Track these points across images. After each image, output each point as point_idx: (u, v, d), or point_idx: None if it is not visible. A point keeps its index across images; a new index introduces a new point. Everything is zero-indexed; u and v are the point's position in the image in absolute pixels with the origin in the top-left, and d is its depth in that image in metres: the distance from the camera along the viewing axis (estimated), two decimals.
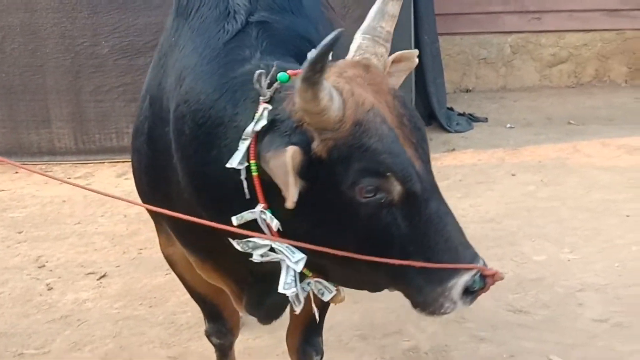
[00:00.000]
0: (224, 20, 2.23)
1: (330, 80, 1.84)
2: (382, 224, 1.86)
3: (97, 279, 4.50)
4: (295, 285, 1.99)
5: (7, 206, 5.75)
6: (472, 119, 7.33)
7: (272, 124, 1.88)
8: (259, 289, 2.36)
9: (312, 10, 2.49)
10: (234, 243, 1.99)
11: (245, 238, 1.96)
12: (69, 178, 6.28)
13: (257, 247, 1.98)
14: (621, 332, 3.68)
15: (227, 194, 2.01)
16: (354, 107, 1.81)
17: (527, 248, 4.60)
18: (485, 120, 7.33)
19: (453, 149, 6.59)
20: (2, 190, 6.10)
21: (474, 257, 1.85)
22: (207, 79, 2.12)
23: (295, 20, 2.32)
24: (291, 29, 2.30)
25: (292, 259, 1.94)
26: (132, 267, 4.61)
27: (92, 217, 5.46)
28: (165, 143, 2.28)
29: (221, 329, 3.06)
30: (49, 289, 4.40)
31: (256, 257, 1.99)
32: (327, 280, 2.10)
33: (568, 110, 7.54)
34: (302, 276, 2.05)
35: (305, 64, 1.66)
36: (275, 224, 1.90)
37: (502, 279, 1.85)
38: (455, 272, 1.82)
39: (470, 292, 1.85)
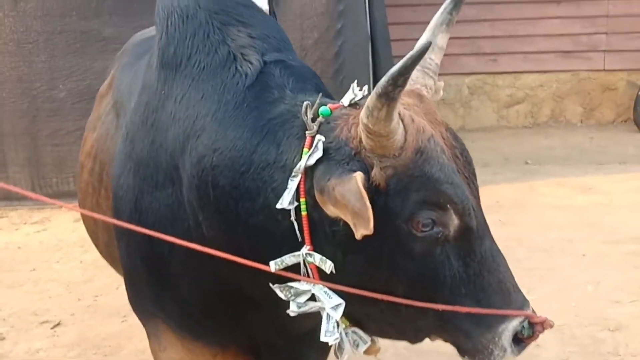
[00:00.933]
0: (232, 64, 2.10)
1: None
2: (436, 262, 1.72)
3: (51, 328, 4.44)
4: (338, 332, 1.83)
5: None
6: None
7: (325, 155, 1.76)
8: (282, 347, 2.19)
9: None
10: (277, 290, 1.83)
11: (286, 282, 1.83)
12: (25, 223, 6.24)
13: (298, 293, 1.83)
14: None
15: (271, 241, 1.87)
16: (415, 134, 1.72)
17: None
18: None
19: None
20: None
21: (524, 302, 1.75)
22: (241, 125, 1.97)
23: (297, 58, 2.25)
24: (304, 66, 2.24)
25: (330, 305, 1.79)
26: (87, 315, 4.55)
27: (47, 264, 5.40)
28: (162, 210, 2.12)
29: None
30: (1, 339, 4.33)
31: (294, 308, 1.83)
32: (363, 330, 1.93)
33: (525, 150, 7.62)
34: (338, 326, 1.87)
35: (386, 78, 1.56)
36: (329, 265, 1.75)
37: (551, 326, 1.75)
38: (505, 317, 1.72)
39: (518, 340, 1.74)
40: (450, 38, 1.94)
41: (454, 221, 1.69)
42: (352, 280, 1.76)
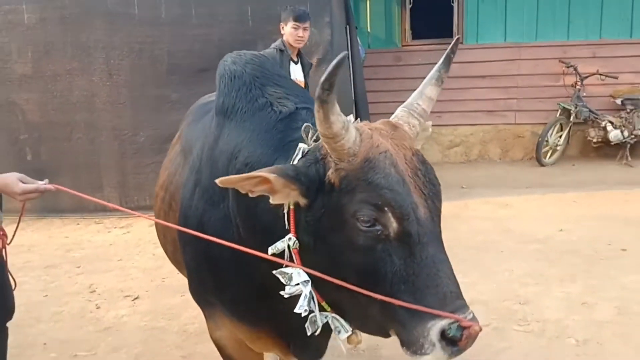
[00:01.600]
0: (269, 107, 2.00)
1: (358, 125, 1.67)
2: (377, 256, 1.56)
3: (132, 300, 4.42)
4: (308, 306, 1.69)
5: (70, 248, 5.65)
6: None
7: (302, 158, 1.71)
8: (302, 334, 1.90)
9: None
10: (278, 275, 1.71)
11: (280, 268, 1.72)
12: (115, 228, 6.24)
13: (290, 278, 1.70)
14: (496, 333, 3.64)
15: (275, 234, 1.74)
16: (369, 147, 1.60)
17: None
18: None
19: None
20: (67, 237, 6.01)
21: (460, 307, 1.52)
22: (267, 143, 1.90)
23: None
24: None
25: (300, 279, 1.68)
26: (157, 291, 4.53)
27: (130, 256, 5.39)
28: (217, 223, 2.03)
29: None
30: (97, 308, 4.31)
31: (287, 290, 1.70)
32: (343, 319, 1.77)
33: (461, 179, 7.62)
34: (322, 309, 1.76)
35: (319, 86, 1.48)
36: (293, 243, 1.68)
37: (477, 331, 1.50)
38: (436, 316, 1.50)
39: (451, 342, 1.50)
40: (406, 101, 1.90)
41: (393, 223, 1.54)
42: (321, 266, 1.66)
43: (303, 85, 4.79)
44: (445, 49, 1.88)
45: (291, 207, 1.70)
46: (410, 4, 8.35)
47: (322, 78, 1.47)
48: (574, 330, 3.64)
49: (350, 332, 1.81)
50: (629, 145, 7.85)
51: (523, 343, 3.52)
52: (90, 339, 3.83)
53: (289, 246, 1.71)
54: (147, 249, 5.49)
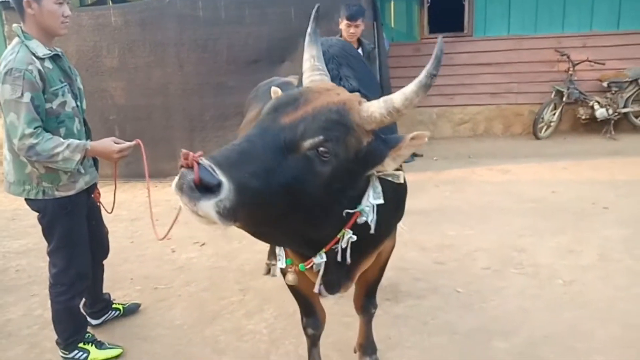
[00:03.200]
0: (337, 81, 1.95)
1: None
2: None
3: (200, 246, 4.50)
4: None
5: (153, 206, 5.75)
6: (414, 155, 7.27)
7: None
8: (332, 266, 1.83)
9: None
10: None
11: None
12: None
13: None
14: (496, 274, 3.62)
15: None
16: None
17: (445, 227, 4.53)
18: (421, 155, 7.27)
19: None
20: (146, 197, 6.11)
21: (207, 155, 1.37)
22: None
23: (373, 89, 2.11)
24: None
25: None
26: (219, 239, 4.58)
27: None
28: None
29: (315, 322, 2.44)
30: (172, 252, 4.41)
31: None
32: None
33: (469, 150, 7.50)
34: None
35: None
36: None
37: (183, 161, 1.30)
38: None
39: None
40: None
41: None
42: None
43: None
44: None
45: None
46: (427, 3, 8.15)
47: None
48: (562, 273, 3.59)
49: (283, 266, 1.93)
50: (612, 122, 7.64)
51: (519, 283, 3.49)
52: (167, 275, 3.94)
53: None
54: None
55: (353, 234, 1.69)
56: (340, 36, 4.48)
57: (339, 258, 1.73)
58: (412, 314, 3.17)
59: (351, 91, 1.82)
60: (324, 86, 1.68)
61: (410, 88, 1.56)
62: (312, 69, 1.76)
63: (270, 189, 1.41)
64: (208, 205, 1.30)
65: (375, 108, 1.57)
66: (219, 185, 1.30)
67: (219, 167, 1.32)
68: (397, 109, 1.56)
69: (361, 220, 1.68)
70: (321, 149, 1.47)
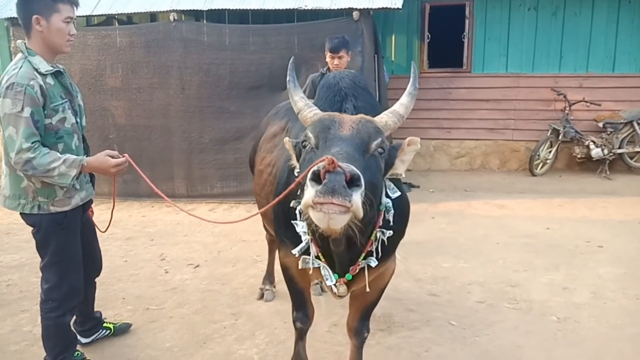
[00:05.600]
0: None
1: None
2: (306, 162, 1.81)
3: (194, 267, 4.46)
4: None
5: (145, 225, 5.75)
6: (411, 186, 7.31)
7: None
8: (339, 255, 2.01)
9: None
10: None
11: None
12: (181, 211, 6.28)
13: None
14: (490, 308, 3.61)
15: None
16: (323, 115, 1.95)
17: (439, 259, 4.53)
18: (418, 187, 7.32)
19: None
20: (144, 216, 6.11)
21: (332, 154, 1.61)
22: None
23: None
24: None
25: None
26: (214, 262, 4.57)
27: (193, 233, 5.44)
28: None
29: (304, 317, 2.61)
30: (166, 272, 4.37)
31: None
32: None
33: (465, 184, 7.53)
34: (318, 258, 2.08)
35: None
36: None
37: (330, 162, 1.48)
38: (315, 165, 1.57)
39: (317, 178, 1.52)
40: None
41: (312, 139, 1.84)
42: None
43: None
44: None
45: None
46: (428, 38, 8.29)
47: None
48: (556, 309, 3.58)
49: (334, 283, 2.05)
50: (608, 162, 7.72)
51: (512, 318, 3.48)
52: (160, 296, 3.89)
53: None
54: (207, 227, 5.54)
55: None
56: (328, 69, 4.53)
57: (373, 254, 2.06)
58: (405, 345, 3.14)
59: None
60: (336, 113, 1.99)
61: (406, 98, 2.07)
62: (308, 105, 2.04)
63: (369, 181, 1.68)
64: (357, 196, 1.51)
65: (387, 118, 1.98)
66: (359, 178, 1.51)
67: (350, 164, 1.55)
68: (402, 116, 2.02)
69: (387, 215, 2.02)
70: (379, 149, 1.83)
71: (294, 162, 2.02)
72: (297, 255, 2.15)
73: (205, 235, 5.31)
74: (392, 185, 2.08)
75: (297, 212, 2.06)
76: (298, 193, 1.91)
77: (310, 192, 1.50)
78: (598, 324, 3.37)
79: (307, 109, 2.02)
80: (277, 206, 2.27)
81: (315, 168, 1.50)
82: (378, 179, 1.84)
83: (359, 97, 2.27)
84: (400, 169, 1.98)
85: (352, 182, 1.50)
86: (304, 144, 1.88)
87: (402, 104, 2.03)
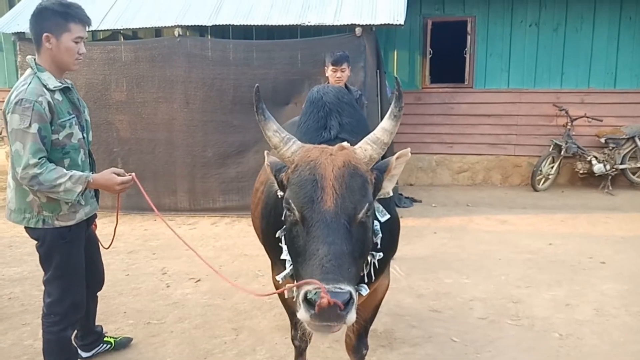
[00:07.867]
0: (322, 129, 2.18)
1: (305, 145, 1.84)
2: (294, 234, 1.71)
3: (195, 282, 4.46)
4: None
5: (148, 239, 5.74)
6: (413, 200, 7.31)
7: None
8: None
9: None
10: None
11: None
12: (184, 224, 6.30)
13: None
14: (492, 325, 3.59)
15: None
16: (302, 157, 1.76)
17: (441, 275, 4.51)
18: (420, 201, 7.31)
19: (401, 217, 6.47)
20: (146, 230, 6.10)
21: (326, 280, 1.49)
22: None
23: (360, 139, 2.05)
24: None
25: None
26: (215, 276, 4.51)
27: (195, 247, 5.36)
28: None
29: (301, 336, 2.62)
30: (167, 286, 4.36)
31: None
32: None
33: (467, 199, 7.51)
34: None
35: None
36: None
37: (324, 303, 1.44)
38: (307, 283, 1.51)
39: (310, 303, 1.48)
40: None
41: (295, 212, 1.68)
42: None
43: None
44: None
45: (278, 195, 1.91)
46: (430, 54, 8.34)
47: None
48: (558, 326, 3.56)
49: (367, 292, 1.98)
50: (610, 177, 7.71)
51: (515, 334, 3.45)
52: (161, 310, 3.88)
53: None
54: (209, 242, 5.55)
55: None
56: (328, 83, 4.55)
57: (365, 280, 1.98)
58: None
59: (333, 139, 2.11)
60: (317, 152, 1.78)
61: (388, 121, 1.85)
62: (284, 141, 1.84)
63: (359, 255, 1.71)
64: (352, 313, 1.53)
65: (370, 151, 1.81)
66: (352, 299, 1.52)
67: (340, 283, 1.51)
68: (386, 143, 1.83)
69: (374, 239, 1.92)
70: (369, 212, 1.73)
71: (276, 186, 1.90)
72: (280, 282, 2.06)
73: (207, 250, 5.30)
74: (382, 207, 2.01)
75: (282, 239, 1.97)
76: (282, 219, 1.85)
77: (304, 314, 1.51)
78: (601, 340, 3.35)
79: (283, 146, 1.83)
80: (266, 228, 2.31)
81: (308, 294, 1.49)
82: (367, 241, 1.79)
83: (343, 112, 2.25)
84: (388, 187, 1.90)
85: (347, 304, 1.49)
86: (286, 207, 1.74)
87: (386, 130, 1.83)
